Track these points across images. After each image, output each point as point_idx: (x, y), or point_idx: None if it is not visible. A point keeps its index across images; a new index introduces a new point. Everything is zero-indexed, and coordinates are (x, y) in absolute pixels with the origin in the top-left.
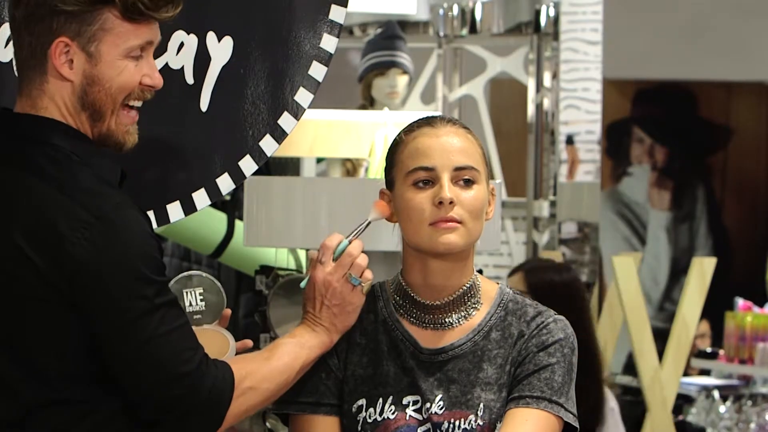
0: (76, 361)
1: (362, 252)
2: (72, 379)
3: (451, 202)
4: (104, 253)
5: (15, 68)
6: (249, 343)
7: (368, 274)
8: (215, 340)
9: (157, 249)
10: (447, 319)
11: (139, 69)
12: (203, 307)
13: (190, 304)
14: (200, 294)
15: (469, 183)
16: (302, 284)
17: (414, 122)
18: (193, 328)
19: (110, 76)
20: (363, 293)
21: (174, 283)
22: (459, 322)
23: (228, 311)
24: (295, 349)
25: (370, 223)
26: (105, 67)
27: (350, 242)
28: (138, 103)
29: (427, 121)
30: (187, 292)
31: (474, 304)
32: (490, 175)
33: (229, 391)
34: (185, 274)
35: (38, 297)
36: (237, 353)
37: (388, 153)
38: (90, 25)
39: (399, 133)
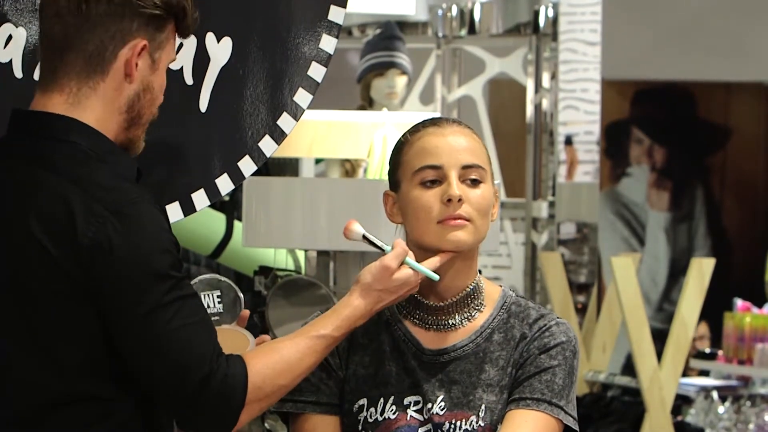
0: (96, 357)
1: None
2: (93, 375)
3: (459, 200)
4: (117, 248)
5: (51, 63)
6: (267, 338)
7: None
8: (235, 339)
9: (173, 244)
10: (450, 321)
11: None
12: (221, 309)
13: (209, 306)
14: (218, 297)
15: (476, 182)
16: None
17: (419, 123)
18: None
19: (158, 85)
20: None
21: (193, 285)
22: (462, 323)
23: (246, 312)
24: (311, 342)
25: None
26: (158, 75)
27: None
28: None
29: (433, 121)
30: (204, 295)
31: (477, 305)
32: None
33: (242, 389)
34: (202, 277)
35: (56, 291)
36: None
37: (392, 154)
38: (161, 32)
39: (404, 134)
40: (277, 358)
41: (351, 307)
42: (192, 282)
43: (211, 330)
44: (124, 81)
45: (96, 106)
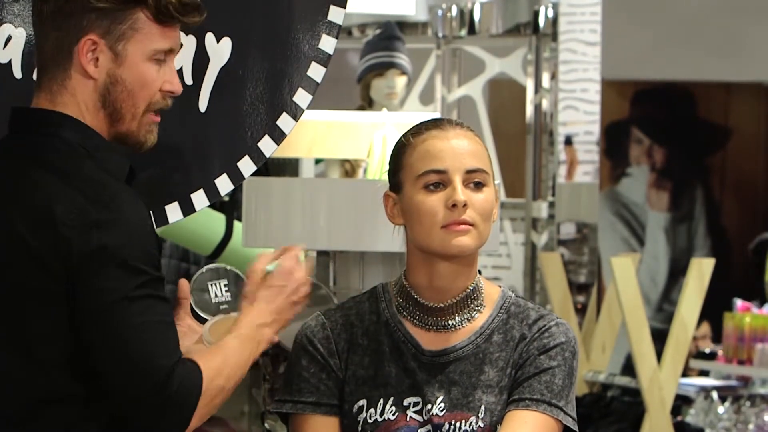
0: (80, 356)
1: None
2: (77, 375)
3: (464, 205)
4: (93, 238)
5: (36, 62)
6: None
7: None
8: None
9: (152, 243)
10: (450, 321)
11: (161, 74)
12: (228, 298)
13: (216, 296)
14: (225, 285)
15: (479, 185)
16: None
17: (420, 124)
18: (221, 316)
19: (133, 77)
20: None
21: (199, 276)
22: (462, 324)
23: None
24: (248, 344)
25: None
26: (129, 67)
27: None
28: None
29: (435, 124)
30: (212, 284)
31: (477, 306)
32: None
33: (197, 390)
34: (209, 266)
35: (41, 287)
36: None
37: (392, 156)
38: (121, 23)
39: (405, 136)
40: (219, 360)
41: (249, 313)
42: (198, 272)
43: (176, 335)
44: (86, 77)
45: (70, 103)
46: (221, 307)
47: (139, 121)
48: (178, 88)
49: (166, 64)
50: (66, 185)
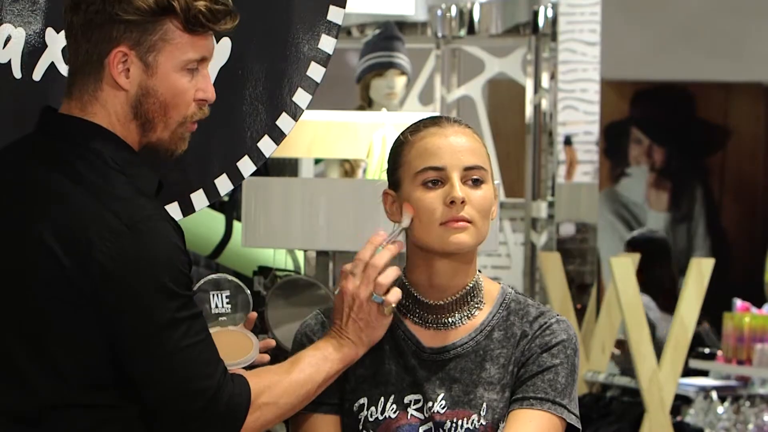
0: (97, 366)
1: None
2: (92, 384)
3: (462, 202)
4: (130, 264)
5: (67, 72)
6: (271, 342)
7: (391, 296)
8: (239, 341)
9: (185, 263)
10: (450, 319)
11: (194, 83)
12: (228, 310)
13: (217, 306)
14: (226, 297)
15: (477, 182)
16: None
17: (419, 122)
18: (218, 328)
19: (165, 87)
20: (385, 314)
21: (202, 285)
22: (462, 321)
23: (254, 314)
24: (317, 361)
25: (404, 229)
26: (161, 78)
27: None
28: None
29: (433, 121)
30: (213, 295)
31: (477, 303)
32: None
33: (245, 406)
34: (211, 277)
35: (64, 299)
36: (260, 352)
37: (391, 153)
38: (150, 34)
39: (403, 134)
40: (275, 380)
41: (343, 350)
42: (200, 282)
43: (215, 348)
44: (117, 89)
45: (101, 114)
46: (220, 318)
47: (173, 131)
48: (211, 96)
49: (198, 73)
50: (100, 204)
